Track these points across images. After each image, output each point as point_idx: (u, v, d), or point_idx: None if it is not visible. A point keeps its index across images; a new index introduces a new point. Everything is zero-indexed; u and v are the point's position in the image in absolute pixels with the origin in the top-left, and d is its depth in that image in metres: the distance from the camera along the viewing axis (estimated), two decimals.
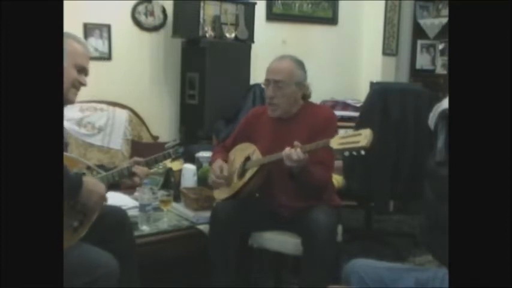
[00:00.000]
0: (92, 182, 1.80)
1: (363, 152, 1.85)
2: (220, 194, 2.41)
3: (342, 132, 2.16)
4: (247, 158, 2.34)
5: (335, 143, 1.94)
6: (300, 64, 2.33)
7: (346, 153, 1.91)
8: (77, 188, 1.73)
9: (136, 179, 2.01)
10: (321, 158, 2.14)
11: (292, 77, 2.27)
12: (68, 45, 1.87)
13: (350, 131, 2.02)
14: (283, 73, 2.26)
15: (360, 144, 1.83)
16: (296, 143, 2.02)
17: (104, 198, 1.85)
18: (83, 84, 1.92)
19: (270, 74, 2.28)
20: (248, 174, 2.29)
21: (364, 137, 1.83)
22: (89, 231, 1.82)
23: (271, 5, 4.31)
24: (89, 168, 1.88)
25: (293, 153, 2.00)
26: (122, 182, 2.04)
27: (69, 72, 1.86)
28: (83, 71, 1.91)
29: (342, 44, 4.70)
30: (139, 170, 2.00)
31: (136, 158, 2.04)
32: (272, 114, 2.31)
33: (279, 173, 2.28)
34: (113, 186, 2.08)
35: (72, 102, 1.92)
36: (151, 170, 2.29)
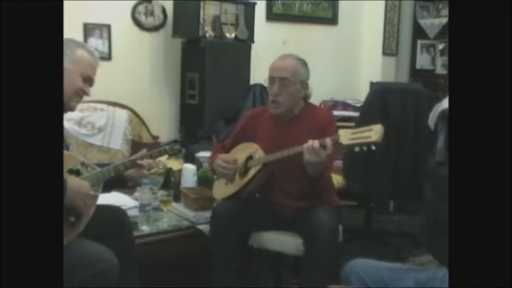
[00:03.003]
0: (76, 183, 1.77)
1: (373, 147, 1.84)
2: (220, 193, 2.41)
3: (341, 132, 2.16)
4: (250, 157, 2.33)
5: (345, 138, 1.92)
6: (304, 63, 2.33)
7: (357, 149, 1.88)
8: None
9: (144, 171, 2.01)
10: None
11: (297, 75, 2.27)
12: (78, 53, 1.89)
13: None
14: (288, 71, 2.25)
15: (371, 139, 1.82)
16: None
17: (91, 197, 1.81)
18: (87, 94, 1.92)
19: (275, 72, 2.26)
20: (251, 173, 2.28)
21: (375, 132, 1.83)
22: (88, 231, 1.81)
23: (271, 5, 4.31)
24: (83, 164, 1.86)
25: (315, 142, 1.96)
26: (127, 176, 2.02)
27: (74, 80, 1.86)
28: (88, 80, 1.92)
29: (342, 44, 4.71)
30: (145, 162, 2.00)
31: (145, 150, 2.04)
32: (274, 111, 2.29)
33: (281, 173, 2.28)
34: (120, 184, 2.09)
35: (73, 109, 1.93)
36: (152, 170, 2.29)
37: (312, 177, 2.08)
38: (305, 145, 1.98)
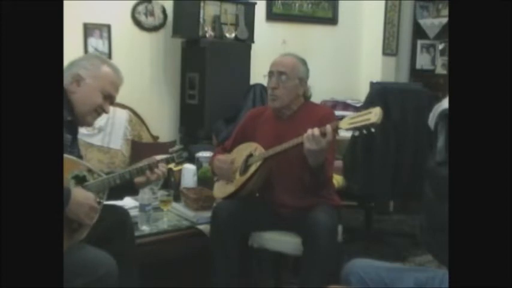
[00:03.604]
0: (81, 194, 1.74)
1: (373, 130, 1.85)
2: (221, 193, 2.40)
3: (341, 132, 2.16)
4: (250, 155, 2.33)
5: (345, 123, 1.94)
6: (304, 62, 2.38)
7: (356, 133, 1.90)
8: (64, 200, 1.68)
9: (158, 171, 1.96)
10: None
11: (295, 71, 2.31)
12: (101, 69, 1.87)
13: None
14: (287, 66, 2.30)
15: (370, 121, 1.84)
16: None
17: (94, 210, 1.78)
18: (105, 111, 1.90)
19: (274, 66, 2.33)
20: (252, 169, 2.28)
21: (374, 114, 1.84)
22: (90, 231, 1.80)
23: (271, 5, 4.30)
24: (89, 170, 1.84)
25: (315, 130, 1.97)
26: (137, 182, 1.98)
27: (94, 96, 1.85)
28: (109, 98, 1.90)
29: (342, 44, 4.70)
30: (160, 171, 1.97)
31: (154, 157, 2.00)
32: (272, 104, 2.33)
33: (281, 172, 2.28)
34: (131, 191, 2.08)
35: (90, 125, 1.92)
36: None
37: (313, 168, 2.08)
38: (305, 134, 2.00)
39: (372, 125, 1.84)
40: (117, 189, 1.93)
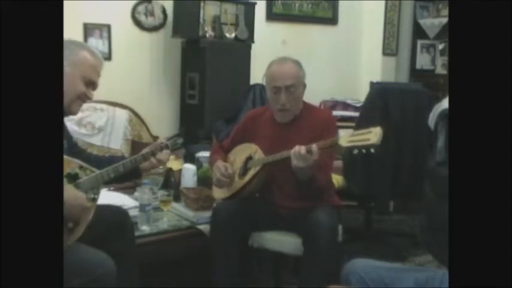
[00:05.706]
0: (71, 195, 1.70)
1: (372, 150, 1.84)
2: (220, 194, 2.41)
3: (341, 132, 2.15)
4: (249, 158, 2.33)
5: (344, 140, 1.93)
6: (299, 64, 2.34)
7: (355, 151, 1.89)
8: None
9: (155, 161, 1.95)
10: (321, 161, 2.13)
11: (299, 78, 2.29)
12: (79, 55, 1.83)
13: (350, 131, 2.01)
14: (292, 77, 2.25)
15: (370, 142, 1.83)
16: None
17: (86, 210, 1.75)
18: (89, 98, 1.87)
19: (280, 81, 2.24)
20: (250, 173, 2.29)
21: (374, 134, 1.83)
22: (90, 231, 1.79)
23: (271, 5, 4.31)
24: (81, 167, 1.81)
25: (302, 148, 1.98)
26: (141, 167, 1.98)
27: (76, 84, 1.82)
28: (91, 84, 1.87)
29: (342, 44, 4.71)
30: (162, 156, 1.96)
31: (159, 142, 1.99)
32: (284, 119, 2.30)
33: (280, 173, 2.28)
34: (136, 175, 2.06)
35: (74, 114, 1.88)
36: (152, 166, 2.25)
37: (302, 181, 2.11)
38: (292, 151, 2.01)
39: (372, 145, 1.83)
40: (122, 176, 1.91)
